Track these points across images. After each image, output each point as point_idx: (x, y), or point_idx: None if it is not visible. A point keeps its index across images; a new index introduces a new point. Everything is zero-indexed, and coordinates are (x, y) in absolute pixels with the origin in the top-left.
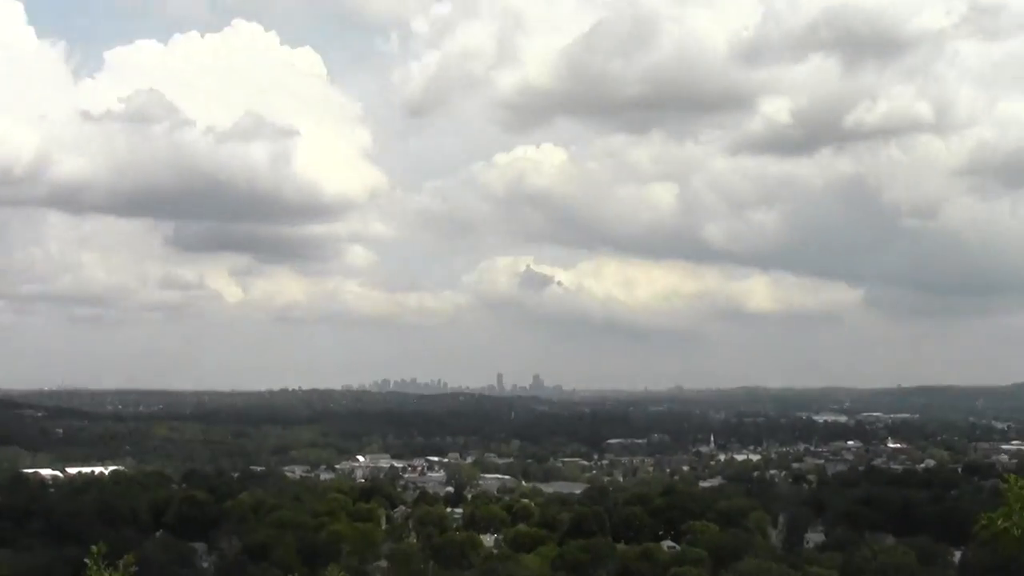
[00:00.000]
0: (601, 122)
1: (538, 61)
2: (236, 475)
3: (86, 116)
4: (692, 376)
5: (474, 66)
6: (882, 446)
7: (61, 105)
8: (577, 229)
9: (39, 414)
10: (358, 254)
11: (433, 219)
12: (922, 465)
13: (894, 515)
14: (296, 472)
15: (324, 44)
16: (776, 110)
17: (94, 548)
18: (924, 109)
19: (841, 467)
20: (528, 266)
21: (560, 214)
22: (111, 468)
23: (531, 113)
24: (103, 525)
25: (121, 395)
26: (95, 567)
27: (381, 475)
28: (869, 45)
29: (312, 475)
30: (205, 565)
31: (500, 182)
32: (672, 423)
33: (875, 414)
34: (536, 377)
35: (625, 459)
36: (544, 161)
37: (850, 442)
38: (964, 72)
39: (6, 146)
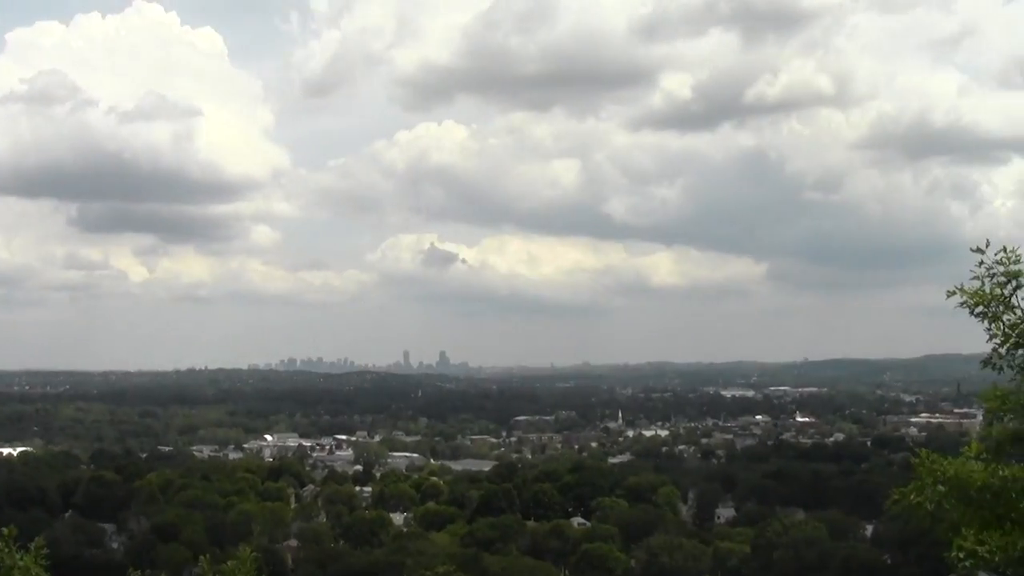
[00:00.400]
0: (502, 99)
1: (438, 39)
2: (144, 455)
3: None
4: (598, 352)
5: (374, 44)
6: (790, 420)
7: None
8: (480, 206)
9: None
10: (262, 233)
11: (336, 198)
12: (831, 439)
13: (804, 489)
14: (204, 452)
15: (225, 24)
16: (677, 85)
17: (5, 530)
18: (824, 82)
19: (750, 442)
20: (432, 243)
21: (463, 191)
22: (19, 449)
23: (432, 91)
24: (12, 507)
25: (28, 376)
26: (7, 550)
27: (289, 454)
28: (768, 19)
29: (220, 455)
30: (115, 545)
31: (402, 160)
32: (579, 399)
33: (783, 388)
34: (442, 354)
35: (533, 436)
36: (446, 138)
37: (758, 416)
38: (863, 45)
39: None
